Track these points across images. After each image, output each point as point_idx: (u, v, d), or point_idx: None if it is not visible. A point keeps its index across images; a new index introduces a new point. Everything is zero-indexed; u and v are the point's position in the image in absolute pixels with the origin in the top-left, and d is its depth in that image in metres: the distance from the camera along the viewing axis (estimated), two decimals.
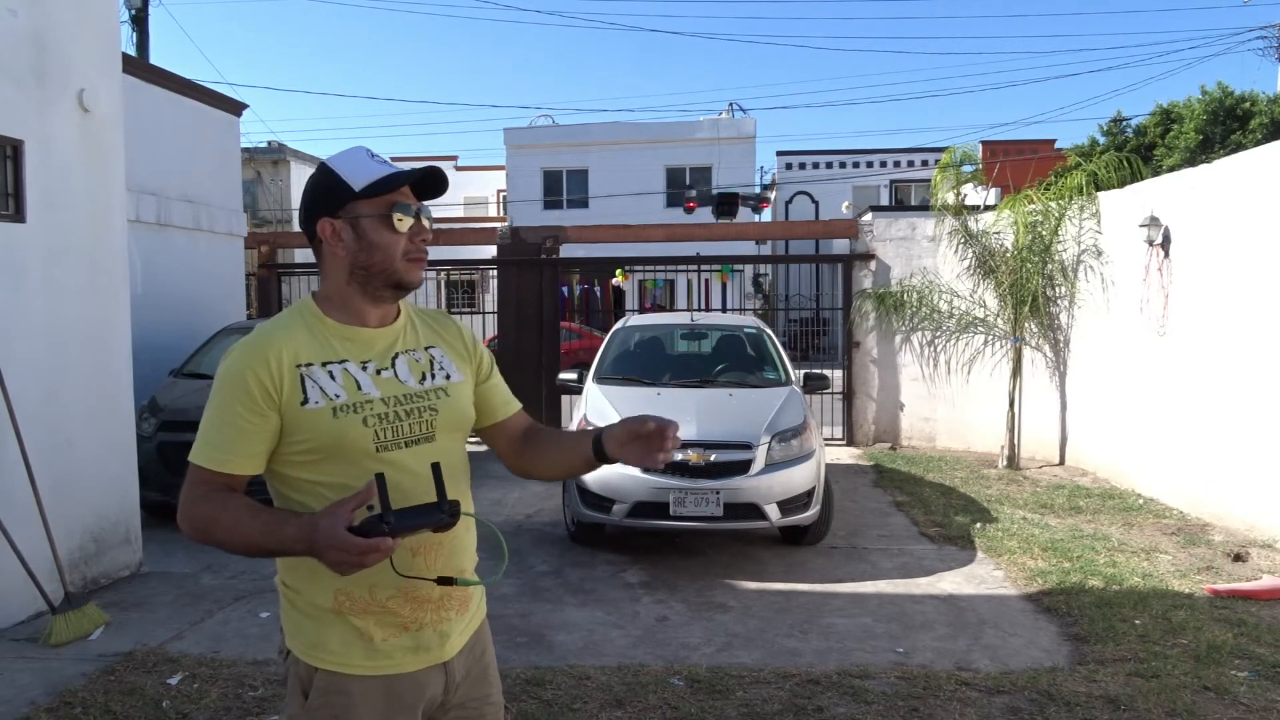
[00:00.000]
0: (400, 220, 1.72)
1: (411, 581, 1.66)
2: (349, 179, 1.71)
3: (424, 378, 1.80)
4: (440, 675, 1.76)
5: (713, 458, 5.93)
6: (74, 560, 5.35)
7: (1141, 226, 7.90)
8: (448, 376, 1.83)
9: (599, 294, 21.42)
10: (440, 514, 1.54)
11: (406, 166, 1.79)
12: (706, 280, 14.07)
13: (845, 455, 10.32)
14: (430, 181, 1.76)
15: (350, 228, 1.72)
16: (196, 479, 1.65)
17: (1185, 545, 6.40)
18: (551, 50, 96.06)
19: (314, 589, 1.68)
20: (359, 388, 1.71)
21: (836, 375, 10.14)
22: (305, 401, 1.65)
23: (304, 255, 14.75)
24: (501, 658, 4.52)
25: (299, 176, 22.69)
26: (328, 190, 1.73)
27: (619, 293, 19.28)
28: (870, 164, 29.09)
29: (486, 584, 1.81)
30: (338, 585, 1.65)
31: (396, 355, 1.79)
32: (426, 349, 1.84)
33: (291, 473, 1.69)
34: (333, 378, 1.69)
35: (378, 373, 1.74)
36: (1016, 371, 9.66)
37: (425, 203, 1.78)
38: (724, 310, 15.05)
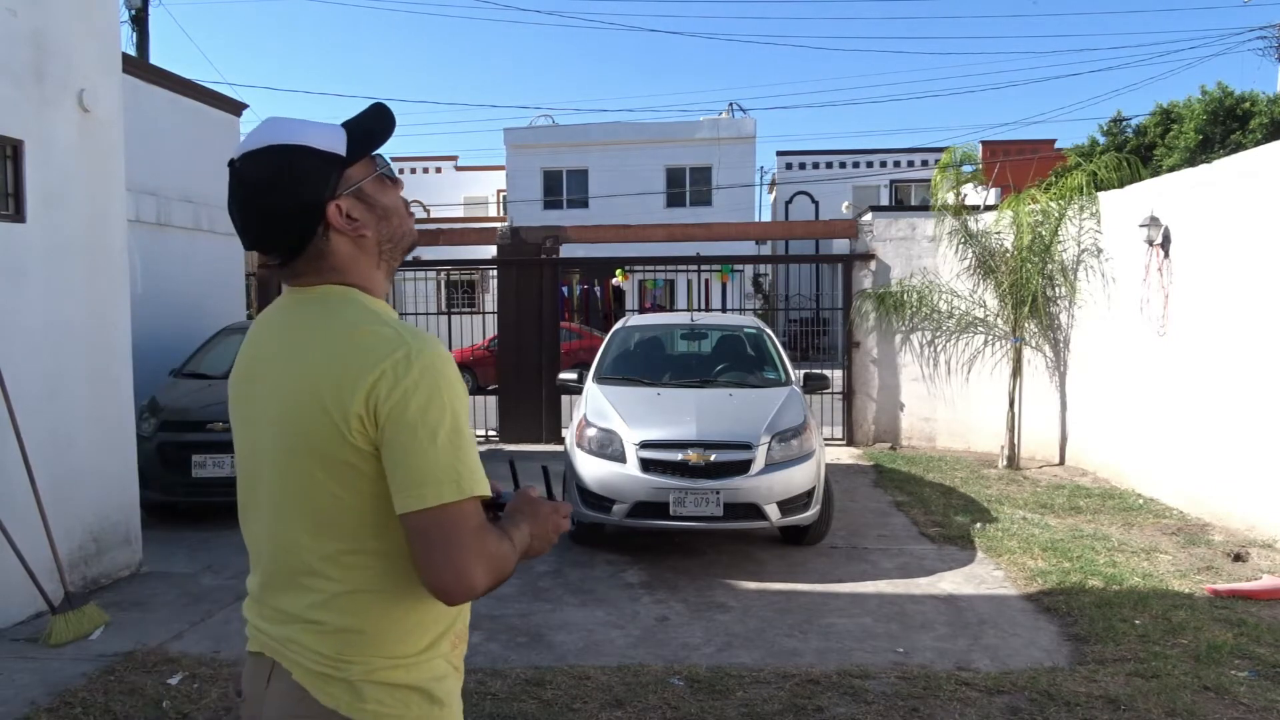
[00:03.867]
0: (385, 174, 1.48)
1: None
2: (328, 147, 1.40)
3: None
4: None
5: (713, 458, 5.94)
6: (74, 560, 5.35)
7: (1141, 226, 7.90)
8: None
9: (599, 294, 21.39)
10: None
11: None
12: (706, 280, 14.07)
13: (845, 455, 10.32)
14: (384, 126, 1.48)
15: (357, 201, 1.42)
16: (479, 520, 1.33)
17: (1185, 545, 6.40)
18: (551, 50, 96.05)
19: (442, 643, 1.44)
20: None
21: (836, 375, 10.14)
22: None
23: None
24: (501, 657, 4.55)
25: None
26: (317, 167, 1.39)
27: (619, 293, 19.26)
28: (870, 164, 29.11)
29: None
30: (440, 630, 1.44)
31: None
32: None
33: None
34: None
35: None
36: (1016, 371, 9.67)
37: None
38: (724, 310, 15.03)
